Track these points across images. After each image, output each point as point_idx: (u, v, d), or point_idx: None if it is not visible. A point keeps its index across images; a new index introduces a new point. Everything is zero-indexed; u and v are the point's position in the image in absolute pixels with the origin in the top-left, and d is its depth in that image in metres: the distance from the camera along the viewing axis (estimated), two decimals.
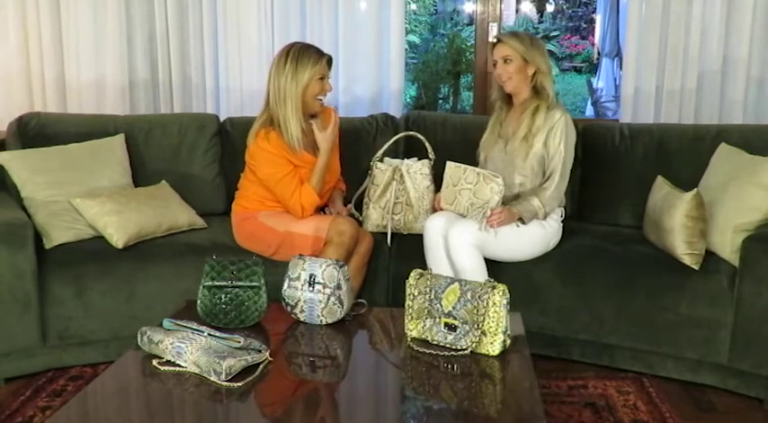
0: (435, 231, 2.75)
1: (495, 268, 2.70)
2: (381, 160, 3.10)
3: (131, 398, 1.82)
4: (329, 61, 2.84)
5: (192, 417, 1.79)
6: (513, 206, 2.70)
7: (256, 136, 2.79)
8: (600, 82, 9.04)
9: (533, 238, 2.75)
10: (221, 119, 3.45)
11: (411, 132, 3.17)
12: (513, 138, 2.83)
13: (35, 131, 3.13)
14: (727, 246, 2.59)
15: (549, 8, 12.22)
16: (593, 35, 11.33)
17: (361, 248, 2.83)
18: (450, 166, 2.83)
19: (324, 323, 2.18)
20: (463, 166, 2.81)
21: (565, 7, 12.19)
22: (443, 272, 2.62)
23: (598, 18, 10.27)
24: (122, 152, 3.15)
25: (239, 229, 2.91)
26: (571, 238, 2.91)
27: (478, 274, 2.59)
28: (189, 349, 1.84)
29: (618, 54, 8.37)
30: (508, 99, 2.93)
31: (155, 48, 3.73)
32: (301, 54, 2.77)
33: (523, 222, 2.72)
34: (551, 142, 2.78)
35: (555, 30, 11.85)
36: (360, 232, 2.83)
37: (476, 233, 2.64)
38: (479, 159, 2.96)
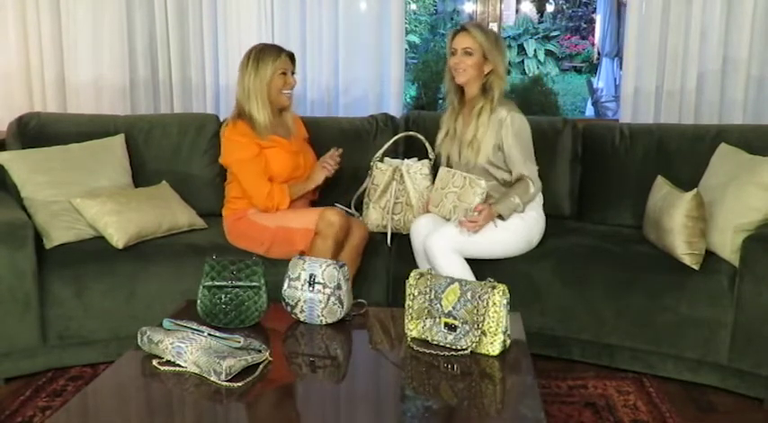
0: (419, 233, 2.78)
1: (494, 268, 2.68)
2: (381, 160, 3.10)
3: (131, 398, 1.82)
4: (291, 56, 2.96)
5: (192, 417, 1.79)
6: (492, 205, 2.67)
7: (225, 128, 2.94)
8: (600, 82, 9.05)
9: (515, 231, 2.74)
10: (221, 119, 3.45)
11: (411, 132, 3.17)
12: (462, 144, 2.82)
13: (35, 131, 3.13)
14: (727, 246, 2.59)
15: (549, 8, 12.22)
16: (593, 35, 11.34)
17: (354, 239, 2.84)
18: (443, 170, 2.85)
19: (324, 323, 2.18)
20: (453, 170, 2.81)
21: (565, 7, 12.19)
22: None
23: (598, 18, 10.28)
24: (122, 152, 3.15)
25: (232, 229, 2.93)
26: (571, 238, 2.92)
27: (462, 276, 2.57)
28: (189, 349, 1.84)
29: (618, 54, 8.38)
30: (461, 93, 2.90)
31: (155, 48, 3.73)
32: (262, 53, 2.90)
33: (502, 219, 2.70)
34: (504, 142, 2.75)
35: (555, 30, 11.85)
36: (351, 223, 2.85)
37: (453, 238, 2.63)
38: (440, 160, 2.97)
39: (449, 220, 2.75)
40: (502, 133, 2.75)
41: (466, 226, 2.63)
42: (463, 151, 2.82)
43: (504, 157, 2.79)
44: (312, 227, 2.75)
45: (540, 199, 2.87)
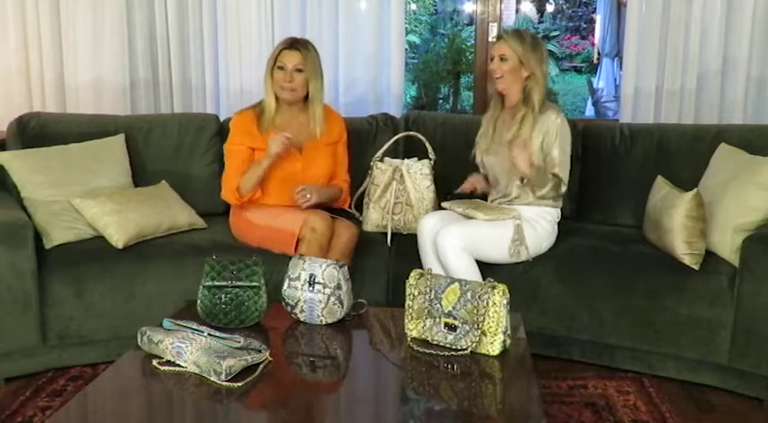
0: (428, 232, 2.75)
1: (495, 268, 2.69)
2: (381, 160, 3.10)
3: (131, 398, 1.82)
4: (294, 47, 2.85)
5: (191, 417, 1.79)
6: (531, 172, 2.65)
7: (234, 114, 2.99)
8: (600, 82, 9.05)
9: (527, 242, 2.73)
10: (221, 119, 3.45)
11: (411, 132, 3.17)
12: (502, 144, 2.80)
13: (35, 131, 3.13)
14: (727, 246, 2.59)
15: (549, 8, 12.22)
16: (593, 35, 11.34)
17: (340, 242, 2.81)
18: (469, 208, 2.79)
19: (324, 323, 2.18)
20: (477, 206, 2.80)
21: (565, 7, 12.19)
22: (439, 271, 2.62)
23: (598, 18, 10.28)
24: (122, 152, 3.15)
25: (232, 221, 2.99)
26: (571, 238, 2.91)
27: (470, 275, 2.58)
28: (189, 349, 1.84)
29: (618, 54, 8.38)
30: (502, 97, 2.90)
31: (155, 48, 3.73)
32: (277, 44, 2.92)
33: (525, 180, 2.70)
34: (547, 143, 2.75)
35: (555, 30, 11.86)
36: (336, 226, 2.82)
37: (464, 236, 2.63)
38: (476, 161, 2.96)
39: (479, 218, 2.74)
40: (549, 134, 2.74)
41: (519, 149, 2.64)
42: (503, 151, 2.79)
43: (544, 158, 2.77)
44: (296, 230, 2.74)
45: (558, 214, 2.87)
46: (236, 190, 2.86)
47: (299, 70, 2.85)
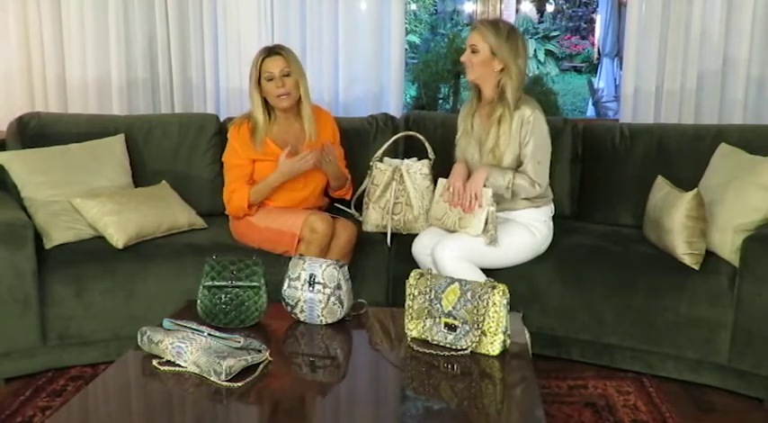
0: (424, 251, 2.74)
1: (494, 268, 2.69)
2: (381, 160, 3.10)
3: (131, 398, 1.83)
4: (274, 53, 2.86)
5: (191, 417, 1.79)
6: (487, 170, 2.65)
7: (231, 126, 2.99)
8: (600, 82, 9.06)
9: (524, 246, 2.73)
10: (221, 119, 3.45)
11: (411, 132, 3.16)
12: (483, 148, 2.76)
13: (35, 131, 3.13)
14: (728, 246, 2.59)
15: (549, 8, 12.23)
16: (593, 35, 11.35)
17: (340, 241, 2.82)
18: (442, 181, 2.80)
19: (324, 323, 2.18)
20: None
21: (565, 7, 12.21)
22: None
23: (598, 18, 10.29)
24: (122, 152, 3.15)
25: (232, 223, 3.00)
26: (571, 238, 2.92)
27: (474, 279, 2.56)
28: (189, 349, 1.84)
29: (618, 54, 8.38)
30: (479, 91, 2.82)
31: (155, 48, 3.73)
32: (257, 54, 2.91)
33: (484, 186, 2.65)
34: (523, 135, 2.68)
35: (555, 30, 11.87)
36: (337, 226, 2.82)
37: (462, 247, 2.60)
38: (457, 157, 2.91)
39: (453, 231, 2.72)
40: (524, 129, 2.67)
41: (466, 209, 2.63)
42: (485, 156, 2.76)
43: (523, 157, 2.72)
44: (297, 231, 2.74)
45: (550, 210, 2.85)
46: (247, 206, 2.86)
47: (287, 75, 2.86)
